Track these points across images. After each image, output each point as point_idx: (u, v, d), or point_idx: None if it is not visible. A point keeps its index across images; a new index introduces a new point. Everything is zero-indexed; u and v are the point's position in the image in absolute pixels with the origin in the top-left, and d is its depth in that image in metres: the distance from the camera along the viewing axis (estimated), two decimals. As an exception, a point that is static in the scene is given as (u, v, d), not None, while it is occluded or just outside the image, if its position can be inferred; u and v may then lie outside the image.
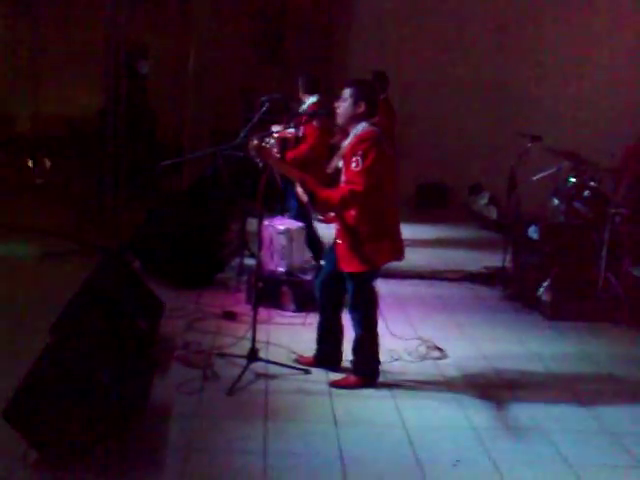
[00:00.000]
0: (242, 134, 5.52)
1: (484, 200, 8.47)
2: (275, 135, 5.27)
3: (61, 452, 2.67)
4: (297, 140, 5.45)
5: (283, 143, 5.49)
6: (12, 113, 10.12)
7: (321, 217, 3.89)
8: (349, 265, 3.65)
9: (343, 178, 3.59)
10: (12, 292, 4.94)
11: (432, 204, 9.41)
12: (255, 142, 3.73)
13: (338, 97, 3.68)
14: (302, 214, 5.49)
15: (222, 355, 4.02)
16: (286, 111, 6.93)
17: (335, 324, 3.93)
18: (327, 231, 5.68)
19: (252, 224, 5.94)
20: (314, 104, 5.53)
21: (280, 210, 5.97)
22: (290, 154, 5.37)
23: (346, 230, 3.63)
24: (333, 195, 3.50)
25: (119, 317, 3.55)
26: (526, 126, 7.51)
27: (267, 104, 5.82)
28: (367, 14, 9.36)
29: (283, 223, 5.19)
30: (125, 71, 6.36)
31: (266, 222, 5.09)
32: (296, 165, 5.38)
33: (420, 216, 8.89)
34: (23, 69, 10.10)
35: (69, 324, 3.13)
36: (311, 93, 5.61)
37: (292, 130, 5.43)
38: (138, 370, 3.31)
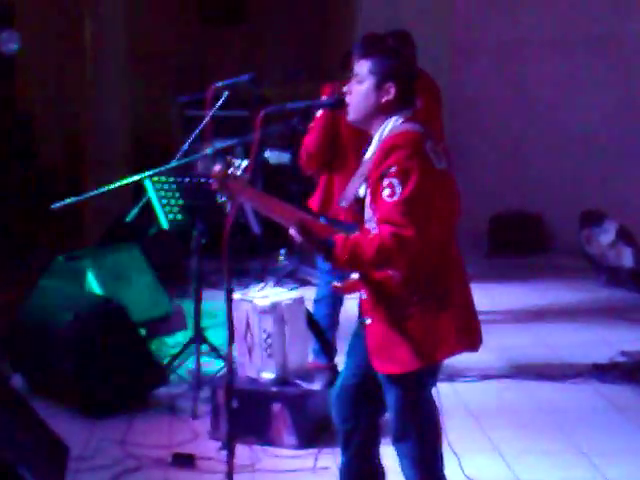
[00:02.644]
0: (184, 147, 5.67)
1: (609, 237, 8.56)
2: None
3: None
4: None
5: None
6: None
7: (337, 284, 3.93)
8: (389, 361, 3.66)
9: (370, 214, 3.66)
10: None
11: (518, 246, 9.50)
12: (216, 167, 3.81)
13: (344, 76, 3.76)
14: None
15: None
16: (260, 104, 7.08)
17: (369, 466, 3.95)
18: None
19: (212, 299, 6.02)
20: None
21: (260, 273, 6.06)
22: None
23: (382, 302, 3.66)
24: (365, 243, 3.51)
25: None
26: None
27: (227, 93, 6.00)
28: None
29: (267, 294, 5.26)
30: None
31: (238, 294, 5.15)
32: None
33: (499, 268, 8.96)
34: None
35: None
36: None
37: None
38: None
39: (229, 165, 3.89)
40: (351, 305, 4.02)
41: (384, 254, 3.47)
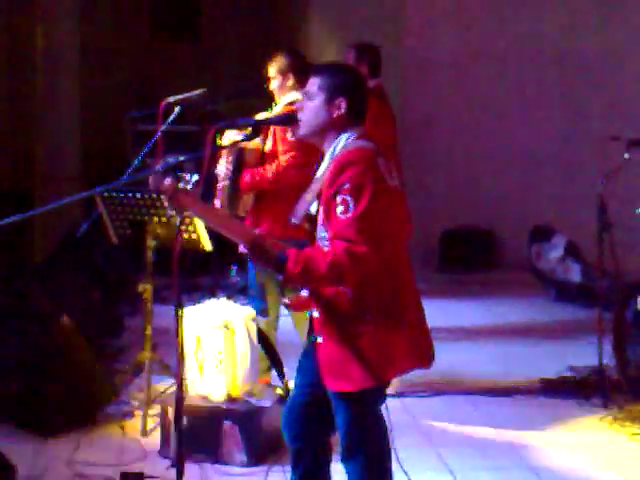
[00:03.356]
0: (135, 162, 5.63)
1: (558, 251, 8.63)
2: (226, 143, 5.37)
3: None
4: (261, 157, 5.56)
5: (239, 158, 5.55)
6: None
7: (286, 301, 3.90)
8: (341, 380, 3.64)
9: (322, 231, 3.64)
10: None
11: (469, 262, 9.55)
12: (167, 181, 3.77)
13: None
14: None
15: None
16: (212, 119, 7.09)
17: (319, 484, 3.95)
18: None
19: (163, 316, 5.98)
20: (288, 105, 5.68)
21: (211, 289, 6.03)
22: (247, 176, 5.50)
23: (333, 319, 3.64)
24: (318, 258, 3.49)
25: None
26: (619, 125, 7.78)
27: (179, 109, 5.98)
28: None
29: (218, 310, 5.22)
30: None
31: (188, 310, 5.12)
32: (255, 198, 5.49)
33: (450, 284, 8.99)
34: None
35: None
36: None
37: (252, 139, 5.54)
38: None
39: (179, 179, 3.86)
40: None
41: (337, 269, 3.45)
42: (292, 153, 5.41)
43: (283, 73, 5.56)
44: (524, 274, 9.00)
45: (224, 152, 5.62)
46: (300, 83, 5.40)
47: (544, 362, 6.55)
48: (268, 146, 5.54)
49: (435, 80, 9.78)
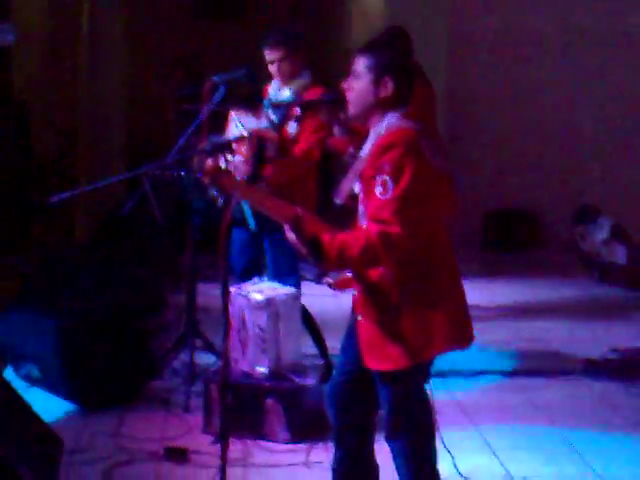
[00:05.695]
0: (180, 142, 5.67)
1: (603, 234, 8.59)
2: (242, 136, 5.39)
3: None
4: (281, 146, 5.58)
5: (260, 148, 5.58)
6: None
7: (329, 280, 3.95)
8: (380, 359, 3.67)
9: (362, 211, 3.68)
10: None
11: (512, 243, 9.52)
12: (208, 162, 3.81)
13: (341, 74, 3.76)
14: (289, 274, 5.60)
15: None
16: (257, 99, 7.08)
17: (363, 462, 3.95)
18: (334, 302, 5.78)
19: (205, 294, 6.03)
20: (308, 87, 5.68)
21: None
22: (269, 170, 5.50)
23: (372, 299, 3.67)
24: (352, 242, 3.54)
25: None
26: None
27: (223, 88, 6.00)
28: None
29: (262, 289, 5.26)
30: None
31: (233, 289, 5.15)
32: (279, 187, 5.51)
33: (492, 265, 8.97)
34: None
35: None
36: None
37: (266, 125, 5.55)
38: None
39: (222, 159, 3.90)
40: (345, 301, 4.03)
41: (370, 253, 3.49)
42: (320, 133, 5.44)
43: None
44: (568, 255, 8.97)
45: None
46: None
47: (587, 343, 6.53)
48: (292, 129, 5.55)
49: (479, 61, 9.71)
